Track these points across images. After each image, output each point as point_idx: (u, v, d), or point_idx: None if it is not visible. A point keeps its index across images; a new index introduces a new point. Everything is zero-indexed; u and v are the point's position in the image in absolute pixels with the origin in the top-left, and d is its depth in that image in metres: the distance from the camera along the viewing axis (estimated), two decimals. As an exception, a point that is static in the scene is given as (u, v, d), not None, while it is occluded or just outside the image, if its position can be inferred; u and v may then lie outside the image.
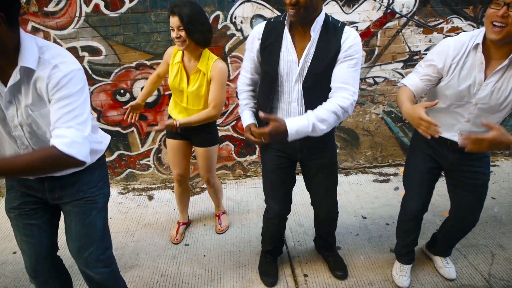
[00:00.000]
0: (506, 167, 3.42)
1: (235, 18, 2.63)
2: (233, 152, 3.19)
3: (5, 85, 1.18)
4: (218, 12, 2.59)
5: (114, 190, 3.19)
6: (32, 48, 1.16)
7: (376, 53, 2.91)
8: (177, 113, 2.15)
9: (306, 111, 1.53)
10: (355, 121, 3.16)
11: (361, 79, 2.99)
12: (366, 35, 2.83)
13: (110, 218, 2.86)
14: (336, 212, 2.05)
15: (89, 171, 1.48)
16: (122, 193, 3.16)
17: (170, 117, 2.20)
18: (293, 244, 2.51)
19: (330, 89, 1.56)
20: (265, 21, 1.63)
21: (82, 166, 1.22)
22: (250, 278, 2.24)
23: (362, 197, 3.01)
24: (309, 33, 1.51)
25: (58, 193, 1.45)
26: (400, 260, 2.20)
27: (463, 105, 1.60)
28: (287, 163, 1.87)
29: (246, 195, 3.11)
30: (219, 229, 2.62)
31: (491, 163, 3.45)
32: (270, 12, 2.61)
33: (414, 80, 1.65)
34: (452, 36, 1.73)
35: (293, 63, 1.56)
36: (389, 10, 2.77)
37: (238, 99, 1.84)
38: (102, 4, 2.47)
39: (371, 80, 3.01)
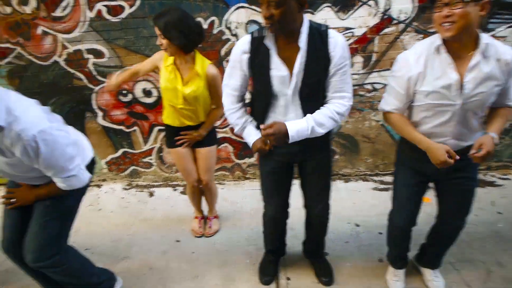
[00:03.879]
0: (519, 180, 3.20)
1: (229, 23, 2.68)
2: (232, 154, 3.24)
3: None
4: (213, 18, 2.66)
5: (119, 186, 3.36)
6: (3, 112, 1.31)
7: (373, 59, 2.85)
8: (178, 122, 2.19)
9: None
10: (354, 128, 3.10)
11: (359, 85, 2.94)
12: (363, 41, 2.78)
13: (111, 211, 3.03)
14: (327, 217, 2.04)
15: None
16: (125, 189, 3.31)
17: (167, 125, 2.26)
18: (281, 246, 2.51)
19: (325, 95, 1.61)
20: (249, 36, 1.59)
21: None
22: (232, 277, 2.27)
23: (358, 205, 2.95)
24: (296, 44, 1.52)
25: None
26: (393, 265, 2.16)
27: (447, 107, 1.56)
28: (284, 167, 1.88)
29: (242, 196, 3.14)
30: (208, 233, 2.67)
31: (503, 176, 3.26)
32: (264, 17, 2.64)
33: (396, 104, 1.67)
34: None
35: (285, 78, 1.57)
36: (385, 16, 2.70)
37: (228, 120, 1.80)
38: (104, 10, 2.62)
39: (369, 86, 2.94)
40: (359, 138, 3.15)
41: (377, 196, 3.05)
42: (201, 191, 2.60)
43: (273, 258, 2.30)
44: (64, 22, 2.66)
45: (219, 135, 3.11)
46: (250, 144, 1.77)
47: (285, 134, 1.52)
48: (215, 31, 2.71)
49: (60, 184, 1.56)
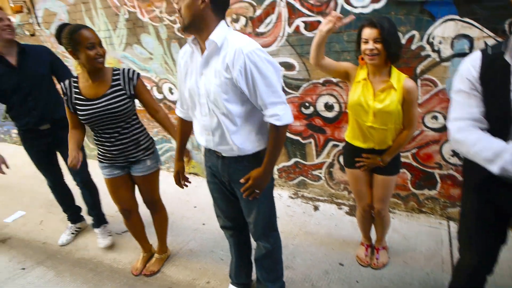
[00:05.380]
0: None
1: (432, 38, 2.38)
2: (409, 182, 2.91)
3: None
4: (413, 32, 2.41)
5: (285, 193, 3.48)
6: (223, 31, 1.44)
7: None
8: (362, 142, 2.08)
9: None
10: None
11: None
12: None
13: (278, 217, 3.13)
14: None
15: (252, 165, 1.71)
16: (292, 198, 3.41)
17: (348, 144, 2.17)
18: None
19: None
20: (479, 53, 1.35)
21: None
22: (402, 323, 2.02)
23: None
24: None
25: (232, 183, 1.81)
26: None
27: None
28: (497, 214, 1.50)
29: (417, 232, 2.78)
30: (374, 264, 2.45)
31: None
32: (478, 32, 2.22)
33: None
34: None
35: None
36: None
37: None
38: (302, 26, 2.74)
39: None
40: None
41: None
42: (371, 218, 2.41)
43: None
44: (265, 37, 2.91)
45: (398, 159, 2.84)
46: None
47: None
48: (413, 47, 2.46)
49: (276, 114, 1.47)
